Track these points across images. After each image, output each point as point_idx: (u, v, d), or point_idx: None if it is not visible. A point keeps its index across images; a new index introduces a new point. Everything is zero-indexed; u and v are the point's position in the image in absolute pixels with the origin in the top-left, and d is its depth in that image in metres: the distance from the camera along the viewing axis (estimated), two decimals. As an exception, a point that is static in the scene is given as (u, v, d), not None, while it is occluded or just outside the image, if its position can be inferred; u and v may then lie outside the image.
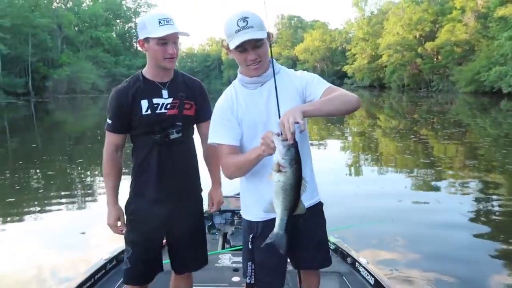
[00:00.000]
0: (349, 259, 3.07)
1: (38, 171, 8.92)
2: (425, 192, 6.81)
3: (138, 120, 1.95)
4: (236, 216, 3.86)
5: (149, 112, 1.94)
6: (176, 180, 2.02)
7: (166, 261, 2.15)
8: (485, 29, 35.66)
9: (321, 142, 12.11)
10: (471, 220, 5.30)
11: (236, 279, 2.86)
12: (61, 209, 5.93)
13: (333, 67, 64.45)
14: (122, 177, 2.08)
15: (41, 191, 7.25)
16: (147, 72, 2.00)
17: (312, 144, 6.61)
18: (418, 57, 43.69)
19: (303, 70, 1.94)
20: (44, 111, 27.77)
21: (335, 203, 4.94)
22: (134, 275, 2.06)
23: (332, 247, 3.18)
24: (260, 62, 1.69)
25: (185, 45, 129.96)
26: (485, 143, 11.48)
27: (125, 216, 2.07)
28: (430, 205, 5.96)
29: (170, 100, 1.98)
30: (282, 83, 1.73)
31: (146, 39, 1.89)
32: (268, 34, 1.68)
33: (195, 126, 2.14)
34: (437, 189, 6.95)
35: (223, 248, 3.52)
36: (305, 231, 1.83)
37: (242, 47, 1.64)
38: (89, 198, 6.68)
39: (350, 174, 8.39)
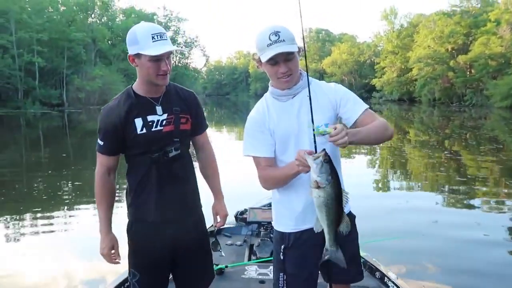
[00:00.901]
0: (377, 274, 3.00)
1: (67, 180, 9.10)
2: (457, 209, 6.55)
3: (133, 139, 1.84)
4: (262, 228, 3.77)
5: (144, 131, 1.83)
6: (178, 199, 1.92)
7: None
8: (521, 42, 34.55)
9: (349, 156, 11.88)
10: (507, 237, 5.09)
11: None
12: (89, 218, 5.97)
13: (361, 80, 63.68)
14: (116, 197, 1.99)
15: (67, 199, 7.36)
16: (138, 88, 1.89)
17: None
18: (450, 71, 42.58)
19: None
20: (76, 121, 28.66)
21: (363, 217, 4.77)
22: None
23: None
24: (291, 76, 1.73)
25: (213, 57, 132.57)
26: (524, 161, 10.97)
27: (119, 244, 1.98)
28: (463, 221, 5.71)
29: (165, 116, 1.87)
30: (314, 94, 1.74)
31: (138, 55, 1.77)
32: (299, 48, 1.72)
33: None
34: (471, 206, 6.65)
35: (249, 259, 3.47)
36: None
37: (274, 60, 1.68)
38: (115, 210, 6.73)
39: (379, 189, 8.19)
